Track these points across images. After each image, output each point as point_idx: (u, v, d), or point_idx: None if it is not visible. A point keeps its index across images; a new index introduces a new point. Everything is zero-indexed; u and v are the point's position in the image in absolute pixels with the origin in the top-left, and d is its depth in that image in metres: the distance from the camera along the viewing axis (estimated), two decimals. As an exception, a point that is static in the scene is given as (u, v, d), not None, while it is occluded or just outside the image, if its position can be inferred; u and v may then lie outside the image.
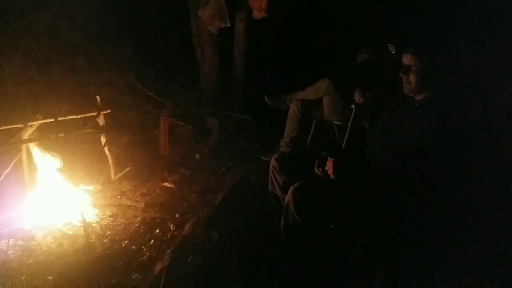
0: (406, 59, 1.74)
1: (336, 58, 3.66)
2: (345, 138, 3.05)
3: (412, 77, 1.73)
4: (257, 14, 3.87)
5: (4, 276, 1.99)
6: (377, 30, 3.56)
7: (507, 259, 1.83)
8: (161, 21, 4.31)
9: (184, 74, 4.32)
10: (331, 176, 1.76)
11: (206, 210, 2.61)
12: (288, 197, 1.79)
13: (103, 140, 2.96)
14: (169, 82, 4.24)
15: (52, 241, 2.32)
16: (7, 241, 2.23)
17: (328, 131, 3.40)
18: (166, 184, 3.08)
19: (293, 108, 3.40)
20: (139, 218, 2.57)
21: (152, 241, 2.32)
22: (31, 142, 2.54)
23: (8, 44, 3.52)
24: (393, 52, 3.00)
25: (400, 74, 1.77)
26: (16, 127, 2.51)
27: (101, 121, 2.90)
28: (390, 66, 3.02)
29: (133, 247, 2.27)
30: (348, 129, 3.06)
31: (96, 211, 2.63)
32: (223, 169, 3.41)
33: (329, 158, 1.78)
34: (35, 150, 2.57)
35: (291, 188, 1.79)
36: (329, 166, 1.78)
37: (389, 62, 3.08)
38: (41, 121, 2.56)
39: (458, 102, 1.76)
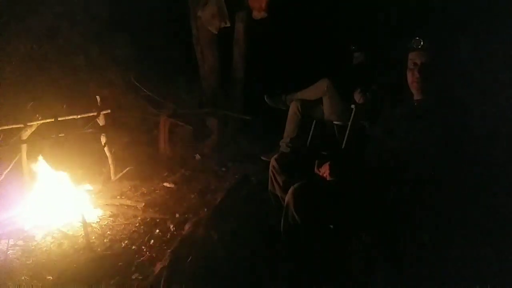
0: (414, 56, 1.74)
1: (335, 58, 3.66)
2: (345, 138, 3.05)
3: (416, 75, 1.73)
4: (257, 14, 3.86)
5: (4, 276, 1.99)
6: (377, 30, 3.56)
7: (508, 260, 1.83)
8: (161, 21, 4.31)
9: (184, 74, 4.31)
10: (327, 178, 1.77)
11: (206, 210, 2.61)
12: (288, 197, 1.79)
13: (103, 140, 2.96)
14: (169, 82, 4.24)
15: (52, 241, 2.32)
16: (7, 241, 2.23)
17: (328, 131, 3.40)
18: (166, 184, 3.08)
19: (293, 108, 3.40)
20: (139, 218, 2.57)
21: (152, 241, 2.32)
22: (31, 142, 2.55)
23: (8, 44, 3.52)
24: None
25: (408, 71, 1.76)
26: (16, 127, 2.51)
27: (101, 121, 2.90)
28: (390, 66, 3.03)
29: (133, 247, 2.27)
30: (348, 129, 3.05)
31: (96, 211, 2.63)
32: (223, 169, 3.41)
33: (324, 162, 1.79)
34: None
35: (291, 188, 1.79)
36: (325, 170, 1.79)
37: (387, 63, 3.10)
38: (41, 121, 2.57)
39: (458, 102, 1.76)
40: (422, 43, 1.71)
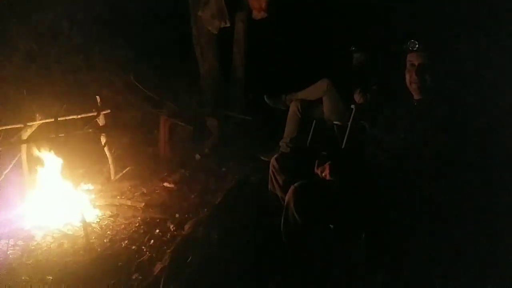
0: (412, 57, 1.74)
1: (335, 58, 3.65)
2: (345, 138, 3.05)
3: (414, 75, 1.73)
4: (257, 14, 3.87)
5: (4, 276, 1.99)
6: (377, 30, 3.56)
7: (506, 261, 1.83)
8: (161, 21, 4.31)
9: (184, 74, 4.32)
10: (327, 178, 1.77)
11: (206, 210, 2.61)
12: (288, 197, 1.79)
13: (103, 140, 2.96)
14: (169, 82, 4.24)
15: (52, 241, 2.32)
16: (7, 241, 2.23)
17: (328, 131, 3.40)
18: (166, 184, 3.08)
19: (293, 108, 3.40)
20: (139, 218, 2.57)
21: (152, 241, 2.32)
22: (31, 142, 2.55)
23: (8, 44, 3.52)
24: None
25: (406, 72, 1.77)
26: (16, 127, 2.51)
27: (101, 121, 2.90)
28: (390, 67, 3.03)
29: (133, 247, 2.27)
30: (348, 129, 3.05)
31: (96, 211, 2.64)
32: (223, 169, 3.41)
33: (324, 162, 1.79)
34: (35, 150, 2.57)
35: (291, 188, 1.79)
36: (325, 170, 1.79)
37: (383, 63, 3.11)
38: (41, 121, 2.57)
39: (457, 102, 1.76)
40: (417, 45, 1.71)
